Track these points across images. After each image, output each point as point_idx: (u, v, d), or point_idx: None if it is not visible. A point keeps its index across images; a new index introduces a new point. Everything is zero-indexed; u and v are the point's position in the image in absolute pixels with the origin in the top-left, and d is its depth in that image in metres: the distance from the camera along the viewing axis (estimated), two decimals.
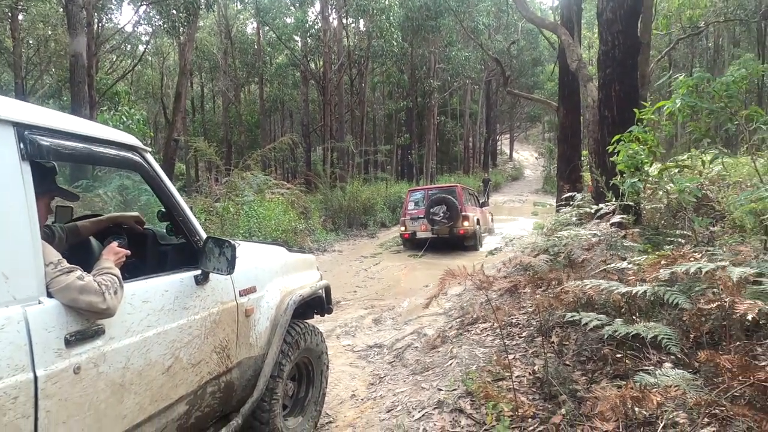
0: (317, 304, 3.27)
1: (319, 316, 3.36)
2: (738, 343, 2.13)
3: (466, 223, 10.64)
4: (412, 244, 11.26)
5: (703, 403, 1.72)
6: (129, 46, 24.09)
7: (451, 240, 10.87)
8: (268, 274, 2.64)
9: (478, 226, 11.30)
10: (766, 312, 1.65)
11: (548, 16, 25.59)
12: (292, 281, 2.86)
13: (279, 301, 2.63)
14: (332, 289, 7.38)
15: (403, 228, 11.48)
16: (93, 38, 14.20)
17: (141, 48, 25.26)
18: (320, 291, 3.22)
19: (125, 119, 7.41)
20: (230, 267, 1.97)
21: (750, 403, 1.71)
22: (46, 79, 21.60)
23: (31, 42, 19.26)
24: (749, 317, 1.68)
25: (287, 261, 2.93)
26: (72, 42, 10.50)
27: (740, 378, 1.68)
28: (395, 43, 19.84)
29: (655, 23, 11.43)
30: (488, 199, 14.61)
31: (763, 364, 1.74)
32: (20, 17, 17.68)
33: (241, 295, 2.30)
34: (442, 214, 10.55)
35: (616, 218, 3.41)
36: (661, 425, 2.08)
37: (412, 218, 11.25)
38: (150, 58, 27.07)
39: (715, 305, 2.00)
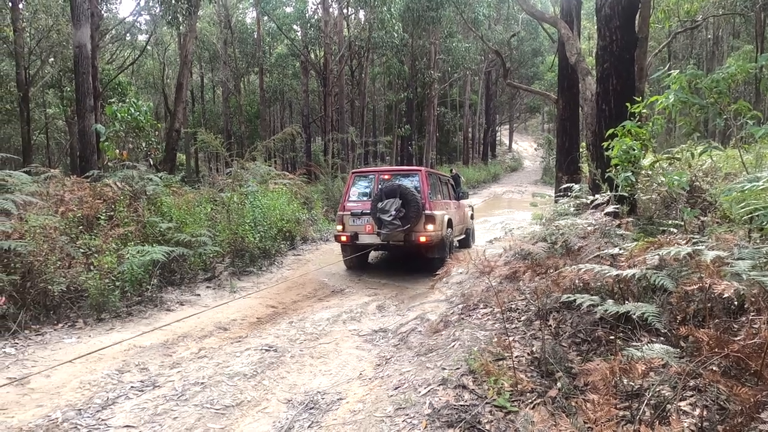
0: None
1: None
2: (717, 320, 2.34)
3: (430, 227, 7.28)
4: (355, 250, 7.96)
5: (682, 372, 1.92)
6: (129, 36, 24.11)
7: (406, 250, 7.72)
8: None
9: (449, 230, 7.95)
10: (740, 291, 1.85)
11: (548, 8, 25.60)
12: None
13: None
14: (336, 277, 7.60)
15: (340, 227, 7.85)
16: (95, 29, 14.29)
17: (141, 38, 25.29)
18: None
19: (133, 110, 7.56)
20: None
21: (724, 372, 1.91)
22: (46, 69, 21.61)
23: (32, 32, 19.27)
24: (725, 296, 1.88)
25: None
26: (76, 33, 10.60)
27: (716, 350, 1.88)
28: (396, 34, 19.92)
29: (653, 16, 11.56)
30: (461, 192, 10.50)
31: (737, 338, 1.94)
32: (21, 6, 17.70)
33: None
34: (394, 212, 7.07)
35: (610, 208, 3.60)
36: (648, 396, 2.29)
37: (353, 214, 7.74)
38: (150, 49, 27.06)
39: (697, 287, 2.20)
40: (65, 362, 3.84)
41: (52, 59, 21.44)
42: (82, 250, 5.55)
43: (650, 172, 4.57)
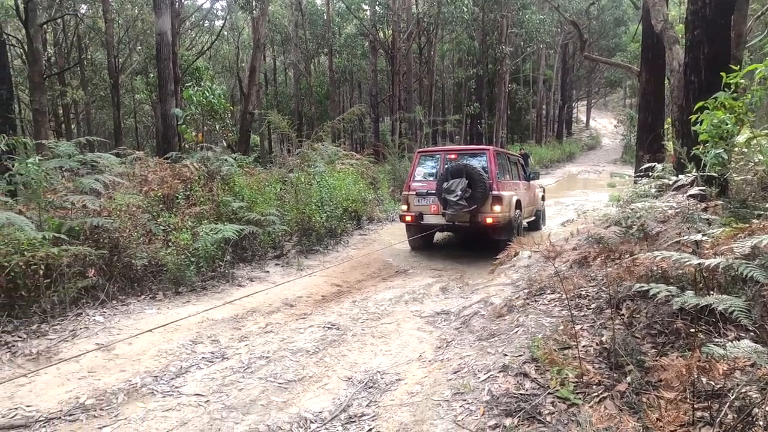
0: None
1: None
2: None
3: (497, 208, 7.20)
4: (419, 231, 7.94)
5: None
6: (207, 22, 25.16)
7: (472, 231, 7.73)
8: None
9: (517, 212, 7.80)
10: None
11: None
12: None
13: None
14: (401, 257, 7.61)
15: (405, 207, 7.95)
16: (175, 17, 15.01)
17: (218, 24, 26.30)
18: None
19: (208, 94, 7.89)
20: None
21: None
22: (134, 56, 23.09)
23: (120, 22, 20.59)
24: None
25: None
26: (157, 21, 11.19)
27: None
28: (465, 9, 19.31)
29: None
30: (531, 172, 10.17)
31: None
32: None
33: None
34: (460, 193, 7.07)
35: (695, 190, 3.28)
36: (732, 397, 2.08)
37: (419, 194, 7.81)
38: (226, 34, 28.11)
39: None
40: (146, 331, 4.13)
41: (139, 47, 22.88)
42: (161, 227, 5.92)
43: (746, 150, 4.11)
